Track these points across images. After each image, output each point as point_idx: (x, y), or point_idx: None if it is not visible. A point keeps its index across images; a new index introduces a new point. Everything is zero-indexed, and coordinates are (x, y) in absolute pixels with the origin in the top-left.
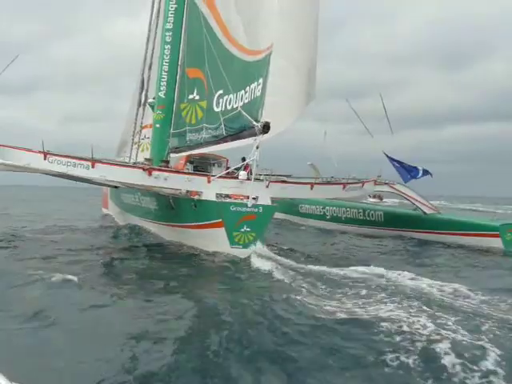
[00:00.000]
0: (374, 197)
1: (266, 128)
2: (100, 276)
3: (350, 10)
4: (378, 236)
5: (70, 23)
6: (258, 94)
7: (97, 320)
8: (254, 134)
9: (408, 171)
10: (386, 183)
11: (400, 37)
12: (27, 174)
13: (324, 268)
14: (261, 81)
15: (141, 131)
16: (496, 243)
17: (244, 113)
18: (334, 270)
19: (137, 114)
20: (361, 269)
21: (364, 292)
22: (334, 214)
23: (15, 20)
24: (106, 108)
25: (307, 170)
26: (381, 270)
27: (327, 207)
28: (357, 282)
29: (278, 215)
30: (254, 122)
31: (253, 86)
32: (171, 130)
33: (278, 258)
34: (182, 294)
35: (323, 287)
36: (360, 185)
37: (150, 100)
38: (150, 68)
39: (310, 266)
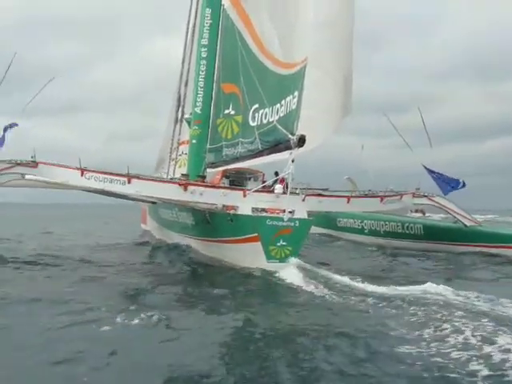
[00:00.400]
0: (416, 211)
1: (301, 141)
2: (157, 305)
3: (388, 25)
4: (418, 249)
5: (110, 45)
6: (294, 107)
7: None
8: (290, 148)
9: (448, 183)
10: (424, 196)
11: (439, 50)
12: (61, 192)
13: (389, 288)
14: (296, 94)
15: (178, 147)
16: None
17: (279, 126)
18: (402, 291)
19: (174, 131)
20: (438, 288)
21: (462, 317)
22: (373, 228)
23: (57, 44)
24: (147, 127)
25: (344, 184)
26: (459, 291)
27: (365, 221)
28: (448, 306)
29: (315, 230)
30: (290, 136)
31: (288, 99)
32: (208, 146)
33: (327, 274)
34: (240, 324)
35: (410, 315)
36: (398, 197)
37: (186, 116)
38: (186, 84)
39: (370, 285)
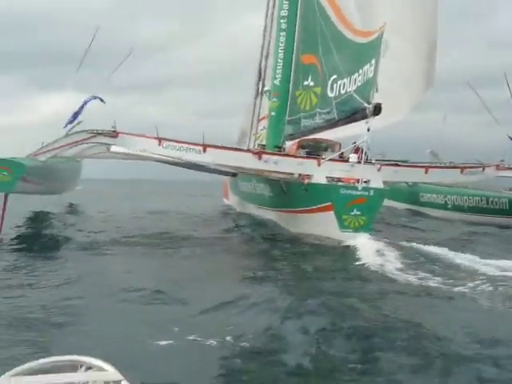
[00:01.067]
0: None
1: (377, 110)
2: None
3: None
4: (503, 225)
5: (200, 23)
6: (371, 75)
7: None
8: (366, 116)
9: None
10: (510, 168)
11: None
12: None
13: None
14: (373, 61)
15: (258, 122)
16: None
17: (355, 95)
18: None
19: (255, 104)
20: None
21: None
22: (456, 203)
23: (152, 21)
24: (236, 103)
25: (426, 158)
26: None
27: (449, 196)
28: None
29: (398, 205)
30: (366, 104)
31: (366, 67)
32: (286, 118)
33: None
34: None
35: None
36: (480, 169)
37: (265, 88)
38: (266, 57)
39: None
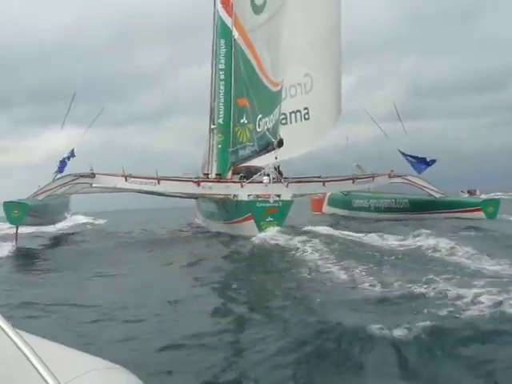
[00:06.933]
0: (469, 192)
1: (280, 143)
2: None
3: None
4: (406, 219)
5: (197, 49)
6: (277, 116)
7: None
8: (273, 149)
9: (421, 163)
10: (399, 176)
11: None
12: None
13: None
14: (279, 106)
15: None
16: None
17: (267, 132)
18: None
19: (209, 138)
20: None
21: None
22: (376, 206)
23: (150, 50)
24: None
25: (354, 170)
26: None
27: (371, 200)
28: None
29: (336, 211)
30: (273, 139)
31: (276, 110)
32: (230, 149)
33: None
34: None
35: None
36: (370, 179)
37: (212, 126)
38: (214, 100)
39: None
